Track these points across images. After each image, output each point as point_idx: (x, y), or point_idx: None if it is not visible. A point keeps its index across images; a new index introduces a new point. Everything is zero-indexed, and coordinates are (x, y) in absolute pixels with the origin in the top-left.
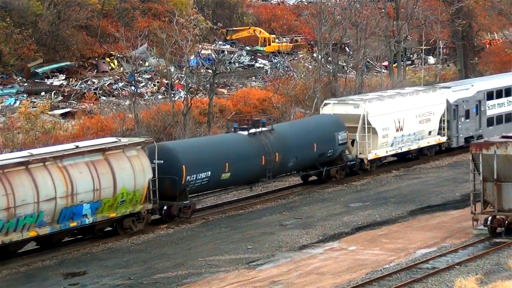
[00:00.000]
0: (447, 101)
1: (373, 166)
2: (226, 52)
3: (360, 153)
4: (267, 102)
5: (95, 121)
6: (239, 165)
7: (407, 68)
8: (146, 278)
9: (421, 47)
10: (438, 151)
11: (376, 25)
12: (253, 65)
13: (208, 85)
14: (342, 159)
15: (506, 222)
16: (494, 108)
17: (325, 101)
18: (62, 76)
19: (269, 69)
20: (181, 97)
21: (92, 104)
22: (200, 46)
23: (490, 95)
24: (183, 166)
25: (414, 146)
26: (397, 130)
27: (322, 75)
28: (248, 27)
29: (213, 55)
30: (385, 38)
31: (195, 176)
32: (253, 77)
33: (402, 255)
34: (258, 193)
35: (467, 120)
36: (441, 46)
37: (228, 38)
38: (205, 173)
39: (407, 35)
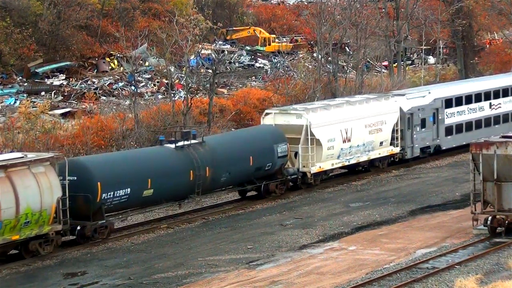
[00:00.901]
0: (401, 109)
1: (317, 180)
2: (226, 52)
3: (303, 166)
4: (267, 102)
5: (95, 121)
6: (163, 181)
7: (407, 68)
8: (146, 278)
9: (421, 47)
10: (391, 162)
11: (376, 25)
12: (253, 65)
13: (208, 85)
14: (283, 173)
15: (506, 222)
16: (454, 116)
17: (266, 111)
18: (62, 76)
19: (269, 69)
20: (181, 97)
21: (92, 104)
22: (200, 46)
23: (449, 103)
24: (98, 183)
25: (363, 158)
26: (344, 141)
27: (322, 75)
28: (248, 27)
29: (213, 55)
30: (385, 38)
31: (112, 193)
32: (253, 77)
33: (402, 255)
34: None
35: (423, 130)
36: (441, 46)
37: (228, 38)
38: (124, 190)
39: (407, 35)
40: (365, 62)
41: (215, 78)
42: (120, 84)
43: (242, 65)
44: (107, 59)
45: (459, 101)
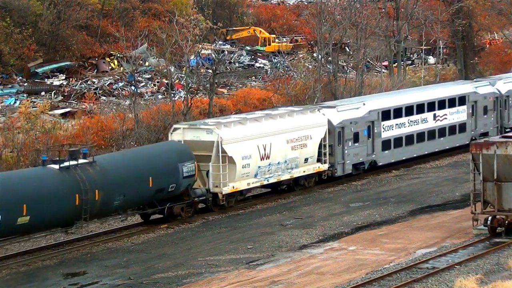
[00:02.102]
0: (330, 122)
1: (231, 201)
2: (226, 52)
3: (215, 187)
4: (267, 102)
5: (95, 121)
6: (43, 207)
7: (407, 68)
8: (146, 278)
9: (421, 47)
10: (320, 180)
11: (376, 25)
12: (253, 65)
13: (208, 85)
14: (189, 195)
15: (506, 222)
16: (392, 129)
17: (174, 126)
18: (62, 76)
19: (269, 69)
20: (181, 97)
21: (92, 104)
22: (200, 46)
23: (386, 115)
24: None
25: (285, 176)
26: (262, 158)
27: (322, 75)
28: (248, 27)
29: (213, 55)
30: (385, 38)
31: None
32: (253, 77)
33: (402, 255)
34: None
35: (356, 144)
36: (441, 46)
37: (228, 38)
38: None
39: (407, 35)
40: (365, 62)
41: (215, 78)
42: (120, 84)
43: (242, 65)
44: (107, 59)
45: (398, 112)
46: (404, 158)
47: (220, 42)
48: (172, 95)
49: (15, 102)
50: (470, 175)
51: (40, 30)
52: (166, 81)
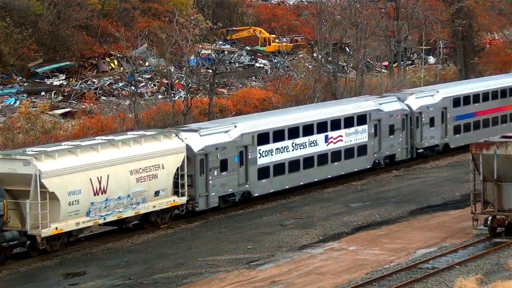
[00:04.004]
0: (189, 149)
1: (55, 244)
2: (226, 52)
3: (34, 228)
4: (267, 102)
5: (95, 121)
6: None
7: (407, 68)
8: (146, 278)
9: (421, 47)
10: (178, 216)
11: (376, 25)
12: (253, 65)
13: (208, 85)
14: None
15: (506, 222)
16: (271, 154)
17: None
18: (62, 76)
19: (269, 69)
20: (181, 97)
21: (92, 104)
22: (200, 46)
23: (263, 138)
24: None
25: (129, 213)
26: (96, 193)
27: (322, 75)
28: (248, 27)
29: (213, 55)
30: (385, 38)
31: None
32: (253, 77)
33: (402, 255)
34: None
35: (224, 173)
36: (441, 46)
37: (228, 38)
38: None
39: (407, 35)
40: (365, 62)
41: (215, 78)
42: (120, 84)
43: (242, 65)
44: (107, 59)
45: (279, 135)
46: (287, 187)
47: (220, 42)
48: (172, 95)
49: (15, 102)
50: (470, 175)
51: (40, 30)
52: (166, 81)
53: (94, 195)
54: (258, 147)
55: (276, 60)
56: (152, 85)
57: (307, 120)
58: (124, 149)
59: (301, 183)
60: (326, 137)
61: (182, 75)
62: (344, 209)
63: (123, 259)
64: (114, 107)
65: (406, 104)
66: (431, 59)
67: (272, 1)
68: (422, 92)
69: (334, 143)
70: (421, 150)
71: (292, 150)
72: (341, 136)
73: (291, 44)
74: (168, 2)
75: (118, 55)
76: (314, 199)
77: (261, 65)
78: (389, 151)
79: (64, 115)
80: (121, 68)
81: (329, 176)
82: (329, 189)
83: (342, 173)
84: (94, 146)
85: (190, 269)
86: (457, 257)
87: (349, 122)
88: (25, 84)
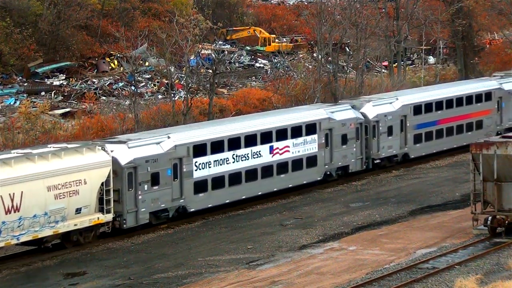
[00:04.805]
0: (116, 162)
1: None
2: (226, 52)
3: None
4: (267, 102)
5: (95, 121)
6: None
7: (407, 68)
8: (146, 278)
9: (421, 47)
10: (103, 234)
11: (376, 25)
12: (253, 65)
13: (208, 85)
14: None
15: (506, 222)
16: (209, 167)
17: None
18: (62, 76)
19: (269, 69)
20: (181, 97)
21: (92, 104)
22: (200, 46)
23: (199, 150)
24: None
25: (47, 232)
26: (7, 212)
27: (322, 75)
28: (248, 27)
29: (213, 55)
30: (385, 38)
31: None
32: (253, 77)
33: (402, 255)
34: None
35: (155, 188)
36: (441, 46)
37: (228, 38)
38: None
39: (407, 35)
40: (365, 62)
41: (215, 78)
42: (120, 84)
43: (242, 65)
44: (107, 59)
45: (218, 146)
46: (227, 201)
47: (220, 42)
48: (172, 95)
49: (15, 102)
50: (470, 175)
51: (40, 30)
52: (166, 81)
53: (6, 213)
54: (194, 159)
55: (276, 60)
56: (152, 85)
57: (249, 130)
58: (41, 163)
59: (243, 197)
60: (271, 147)
61: (182, 75)
62: (344, 209)
63: (123, 259)
64: (114, 107)
65: (362, 112)
66: (431, 59)
67: (272, 1)
68: (380, 100)
69: (280, 154)
70: (378, 161)
71: (233, 162)
72: (288, 146)
73: (291, 44)
74: (168, 2)
75: (118, 55)
76: (314, 199)
77: (261, 65)
78: (341, 162)
79: (64, 115)
80: (121, 68)
81: (275, 189)
82: (329, 189)
83: (290, 185)
84: (7, 160)
85: (190, 269)
86: (457, 257)
87: (296, 131)
88: (25, 84)
